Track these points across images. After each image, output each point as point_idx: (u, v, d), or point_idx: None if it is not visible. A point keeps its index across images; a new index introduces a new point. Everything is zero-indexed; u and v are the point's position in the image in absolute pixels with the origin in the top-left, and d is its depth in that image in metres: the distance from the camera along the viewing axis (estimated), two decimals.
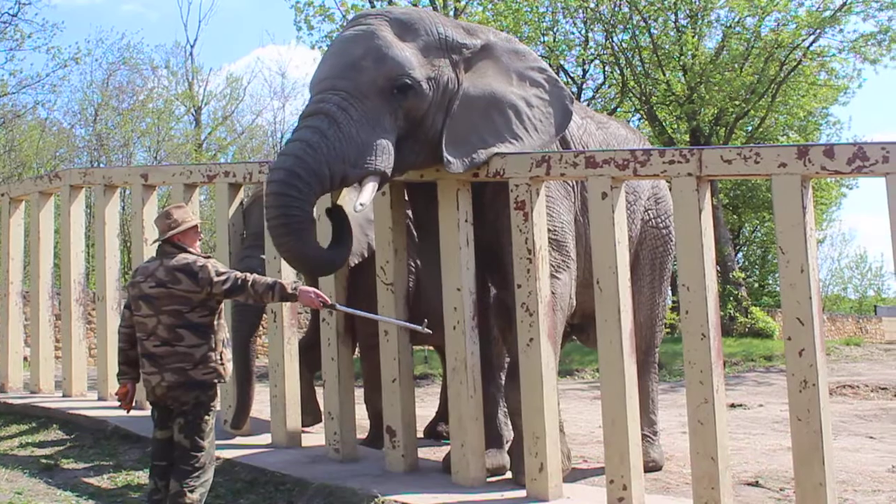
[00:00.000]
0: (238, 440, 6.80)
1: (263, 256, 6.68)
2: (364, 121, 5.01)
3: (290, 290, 4.71)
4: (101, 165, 28.03)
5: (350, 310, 5.26)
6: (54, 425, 7.61)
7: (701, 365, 4.68)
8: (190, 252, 4.77)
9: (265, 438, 6.78)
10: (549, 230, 5.48)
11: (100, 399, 8.22)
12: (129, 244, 18.04)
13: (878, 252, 59.43)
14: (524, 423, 5.33)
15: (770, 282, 37.40)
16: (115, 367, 7.67)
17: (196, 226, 4.92)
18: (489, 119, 5.44)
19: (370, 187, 5.04)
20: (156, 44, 54.18)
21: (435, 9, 21.75)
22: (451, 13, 21.81)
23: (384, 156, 5.05)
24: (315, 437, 6.94)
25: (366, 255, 6.81)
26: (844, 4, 21.01)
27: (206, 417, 4.69)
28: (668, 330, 23.73)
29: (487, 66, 5.53)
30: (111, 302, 7.98)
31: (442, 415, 7.65)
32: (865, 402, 12.31)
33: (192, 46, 34.62)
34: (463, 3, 21.69)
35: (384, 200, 5.93)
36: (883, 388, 13.48)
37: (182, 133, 33.30)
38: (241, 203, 7.12)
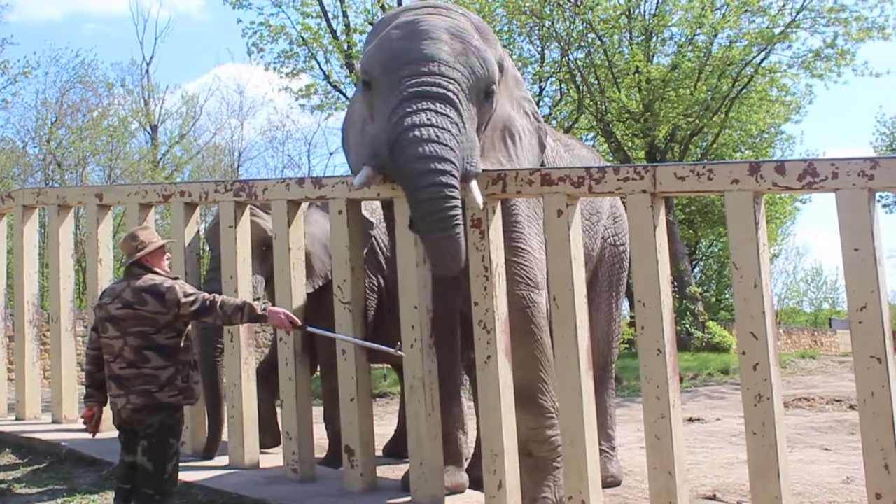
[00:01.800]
0: (195, 461, 6.73)
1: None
2: (470, 118, 4.82)
3: (259, 311, 4.71)
4: (55, 184, 27.72)
5: (320, 330, 5.25)
6: (7, 449, 7.48)
7: (657, 380, 4.70)
8: (157, 273, 4.75)
9: (223, 460, 6.72)
10: (521, 252, 5.51)
11: (54, 422, 8.11)
12: (83, 264, 17.87)
13: (832, 266, 60.21)
14: (483, 440, 5.32)
15: (726, 296, 37.77)
16: (69, 389, 7.64)
17: (163, 246, 4.90)
18: (504, 141, 5.39)
19: (476, 187, 4.86)
20: (112, 62, 54.00)
21: None
22: None
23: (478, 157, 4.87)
24: (274, 458, 6.89)
25: (330, 278, 6.80)
26: (793, 20, 21.34)
27: (172, 441, 4.65)
28: (625, 345, 23.89)
29: (503, 87, 5.43)
30: (65, 323, 7.89)
31: (400, 433, 7.63)
32: (821, 414, 12.45)
33: (147, 64, 34.21)
34: None
35: (340, 219, 5.91)
36: (838, 401, 13.65)
37: (137, 151, 33.07)
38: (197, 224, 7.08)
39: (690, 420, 11.25)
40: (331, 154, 45.80)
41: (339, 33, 21.96)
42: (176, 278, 4.81)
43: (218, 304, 4.64)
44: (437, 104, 4.61)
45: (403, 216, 5.59)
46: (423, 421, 5.54)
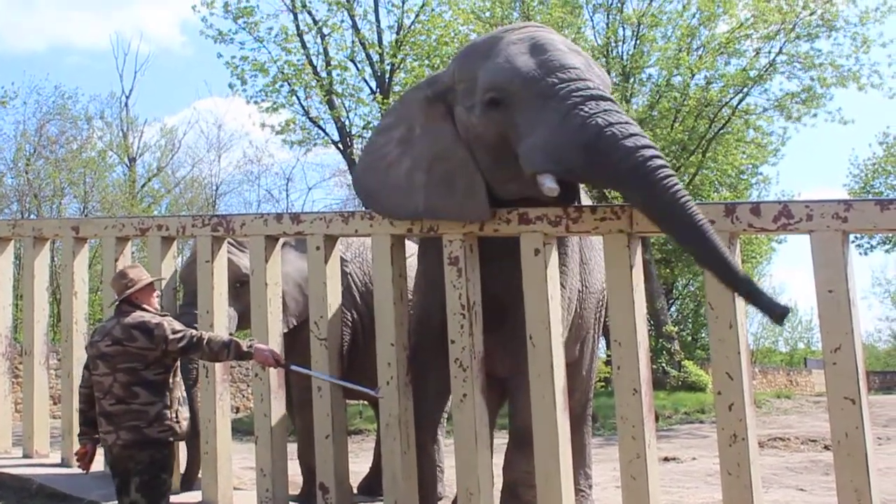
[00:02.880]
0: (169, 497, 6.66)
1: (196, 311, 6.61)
2: None
3: (245, 349, 4.76)
4: (32, 216, 27.59)
5: (303, 369, 5.24)
6: None
7: (633, 420, 4.71)
8: (146, 310, 4.80)
9: (196, 495, 6.65)
10: None
11: (25, 456, 8.00)
12: (58, 297, 17.74)
13: (808, 306, 60.54)
14: (458, 479, 5.29)
15: (703, 335, 37.83)
16: (41, 423, 7.54)
17: (152, 283, 4.96)
18: None
19: None
20: (92, 94, 54.06)
21: (371, 64, 21.95)
22: (388, 68, 21.99)
23: None
24: (247, 495, 6.82)
25: (304, 317, 6.77)
26: (770, 64, 21.60)
27: (164, 477, 4.69)
28: (601, 384, 23.87)
29: None
30: (39, 356, 7.81)
31: (375, 471, 7.58)
32: (796, 454, 12.46)
33: (127, 97, 34.20)
34: (399, 58, 21.86)
35: (318, 255, 5.91)
36: (813, 441, 13.67)
37: (115, 184, 32.98)
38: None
39: (666, 459, 11.23)
40: (309, 189, 45.98)
41: (319, 69, 22.03)
42: (165, 315, 4.87)
43: (205, 341, 4.70)
44: (612, 104, 4.58)
45: (382, 252, 5.60)
46: (398, 459, 5.51)
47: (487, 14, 21.74)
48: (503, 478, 5.71)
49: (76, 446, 6.60)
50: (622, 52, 23.13)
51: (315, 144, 23.53)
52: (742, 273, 4.25)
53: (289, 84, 22.07)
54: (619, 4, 22.82)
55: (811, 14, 20.99)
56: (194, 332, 4.76)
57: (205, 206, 34.95)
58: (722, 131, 22.99)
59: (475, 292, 5.30)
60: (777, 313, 4.17)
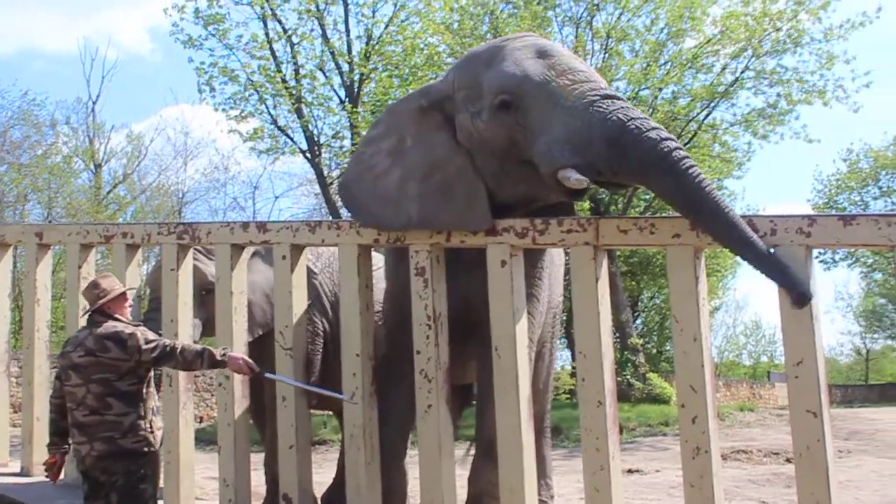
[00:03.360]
0: None
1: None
2: None
3: (218, 357, 4.76)
4: None
5: (279, 377, 5.22)
6: None
7: (597, 432, 4.72)
8: (119, 320, 4.78)
9: None
10: None
11: None
12: (20, 304, 17.52)
13: (771, 319, 61.05)
14: (422, 489, 5.28)
15: (668, 348, 37.99)
16: (2, 432, 7.44)
17: (124, 293, 4.94)
18: None
19: None
20: (58, 99, 53.66)
21: (340, 74, 21.92)
22: (357, 77, 21.97)
23: None
24: None
25: (270, 327, 6.74)
26: (737, 79, 21.78)
27: (143, 487, 4.67)
28: (567, 395, 23.93)
29: None
30: (0, 364, 7.72)
31: (339, 481, 7.54)
32: (759, 466, 12.56)
33: (94, 103, 33.95)
34: (369, 68, 21.85)
35: (284, 264, 5.88)
36: (775, 453, 13.78)
37: (80, 190, 32.70)
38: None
39: (630, 472, 11.28)
40: (276, 198, 45.65)
41: (288, 78, 21.98)
42: (138, 325, 4.85)
43: (178, 351, 4.69)
44: (626, 102, 4.68)
45: (349, 262, 5.59)
46: (362, 469, 5.49)
47: (456, 26, 21.74)
48: (468, 489, 5.71)
49: (37, 455, 6.57)
50: (591, 65, 23.23)
51: (283, 153, 23.45)
52: (766, 251, 4.34)
53: (258, 92, 21.99)
54: (588, 18, 22.93)
55: (777, 31, 21.21)
56: (168, 341, 4.75)
57: (171, 213, 34.76)
58: (689, 145, 23.14)
59: (441, 303, 5.30)
60: (799, 292, 4.28)
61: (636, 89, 21.65)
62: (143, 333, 4.71)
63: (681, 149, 4.46)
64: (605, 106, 4.59)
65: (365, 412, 5.50)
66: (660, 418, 19.16)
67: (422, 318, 5.26)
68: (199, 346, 4.80)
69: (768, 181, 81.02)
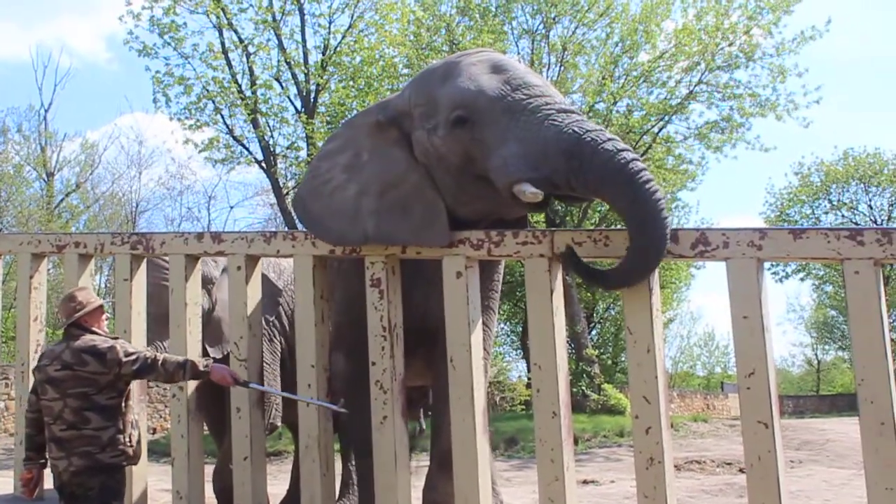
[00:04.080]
0: None
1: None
2: None
3: (201, 368, 4.73)
4: None
5: (263, 387, 5.19)
6: None
7: (552, 443, 4.74)
8: (97, 333, 4.73)
9: None
10: None
11: None
12: None
13: (724, 331, 61.59)
14: (378, 502, 5.26)
15: (623, 359, 38.19)
16: None
17: (101, 306, 4.88)
18: None
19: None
20: (9, 106, 52.91)
21: (296, 84, 21.85)
22: (314, 88, 21.92)
23: None
24: None
25: None
26: (690, 93, 22.01)
27: (115, 503, 4.61)
28: (522, 407, 23.97)
29: None
30: None
31: (294, 493, 7.51)
32: (712, 477, 12.64)
33: (46, 110, 33.56)
34: (325, 78, 21.80)
35: (239, 275, 5.85)
36: (728, 464, 13.89)
37: (31, 199, 32.29)
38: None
39: (585, 482, 11.32)
40: (231, 208, 45.48)
41: (244, 88, 21.87)
42: (116, 338, 4.79)
43: (160, 363, 4.65)
44: (580, 115, 4.75)
45: (304, 273, 5.57)
46: (317, 481, 5.47)
47: (411, 38, 21.77)
48: (423, 499, 5.71)
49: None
50: (546, 78, 23.36)
51: (238, 163, 23.28)
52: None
53: (213, 102, 21.85)
54: (544, 31, 23.07)
55: (730, 45, 21.47)
56: (149, 353, 4.70)
57: (125, 222, 34.43)
58: (643, 158, 23.31)
59: (397, 314, 5.31)
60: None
61: (591, 102, 21.79)
62: (122, 346, 4.66)
63: (637, 160, 4.51)
64: (560, 119, 4.63)
65: (320, 423, 5.48)
66: (615, 429, 19.25)
67: (377, 330, 5.26)
68: (180, 358, 4.76)
69: (721, 194, 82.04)
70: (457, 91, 4.95)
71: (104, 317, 4.96)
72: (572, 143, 4.53)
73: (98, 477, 4.55)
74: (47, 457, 4.75)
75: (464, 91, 4.92)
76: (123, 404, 4.71)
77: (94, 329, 4.77)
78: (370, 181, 5.34)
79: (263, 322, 6.26)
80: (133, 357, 4.61)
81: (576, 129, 4.57)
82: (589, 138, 4.52)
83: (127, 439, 4.68)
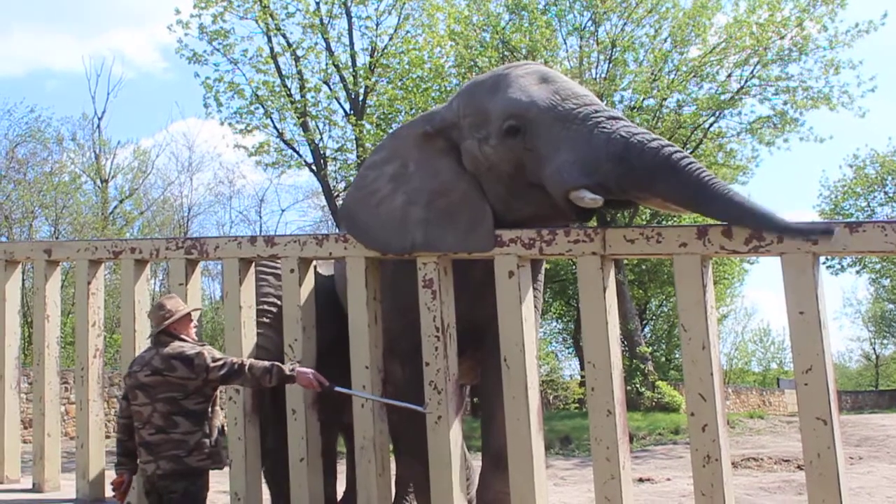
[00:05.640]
0: None
1: None
2: None
3: (287, 373, 4.78)
4: (3, 238, 27.39)
5: (349, 391, 5.23)
6: None
7: (607, 441, 4.73)
8: (185, 340, 4.85)
9: None
10: None
11: None
12: (30, 321, 17.58)
13: (780, 326, 60.84)
14: (433, 502, 5.28)
15: (676, 356, 37.91)
16: (13, 449, 7.45)
17: (189, 314, 5.00)
18: None
19: None
20: (64, 116, 53.70)
21: (345, 87, 21.97)
22: (362, 90, 22.02)
23: None
24: None
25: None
26: (742, 87, 21.78)
27: None
28: (576, 405, 23.89)
29: None
30: (10, 381, 7.73)
31: (350, 494, 7.54)
32: (769, 474, 12.51)
33: (99, 119, 34.02)
34: (373, 80, 21.90)
35: (292, 278, 5.90)
36: (786, 461, 13.74)
37: (87, 206, 32.77)
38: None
39: (641, 480, 11.26)
40: (283, 211, 45.80)
41: (293, 91, 22.03)
42: (203, 344, 4.90)
43: (247, 368, 4.73)
44: (627, 120, 4.87)
45: (357, 275, 5.60)
46: (373, 482, 5.49)
47: (456, 39, 21.73)
48: (477, 498, 5.72)
49: (48, 471, 6.58)
50: (595, 75, 23.23)
51: (289, 166, 23.48)
52: (781, 220, 4.39)
53: (263, 106, 22.06)
54: (592, 28, 22.96)
55: (782, 38, 21.21)
56: (235, 359, 4.78)
57: (177, 227, 34.81)
58: (694, 153, 23.14)
59: (449, 314, 5.32)
60: (821, 231, 4.37)
61: (641, 98, 21.66)
62: (210, 352, 4.76)
63: (681, 151, 4.57)
64: (609, 126, 4.74)
65: (375, 424, 5.50)
66: (670, 427, 19.13)
67: (430, 330, 5.28)
68: (266, 363, 4.83)
69: (775, 187, 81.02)
70: (508, 102, 5.06)
71: (192, 324, 5.08)
72: (621, 147, 4.63)
73: (182, 482, 4.65)
74: (137, 461, 4.86)
75: (515, 102, 5.03)
76: (210, 409, 4.81)
77: (182, 336, 4.88)
78: (417, 191, 5.44)
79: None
80: (220, 363, 4.71)
81: (623, 133, 4.68)
82: (636, 140, 4.61)
83: (214, 443, 4.78)
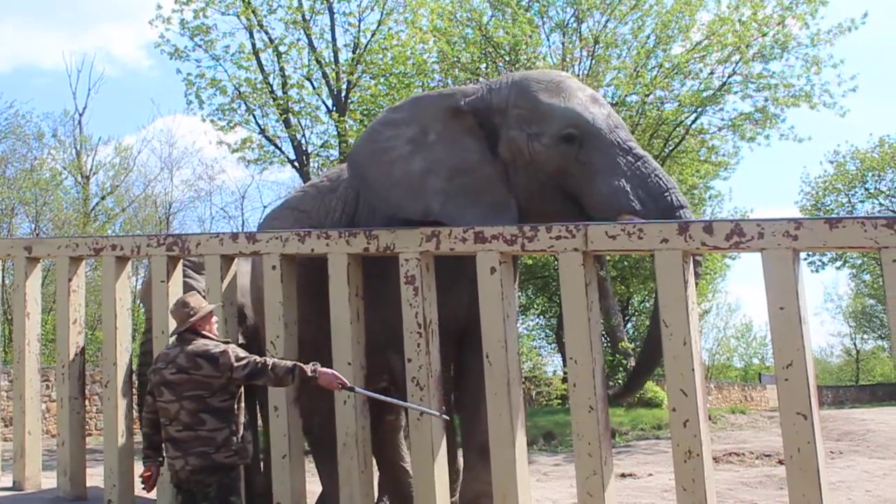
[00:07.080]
0: None
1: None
2: None
3: (309, 373, 4.78)
4: None
5: (369, 392, 5.22)
6: None
7: (589, 437, 4.74)
8: (209, 338, 4.89)
9: None
10: None
11: None
12: (10, 318, 17.47)
13: (762, 322, 61.09)
14: (416, 496, 5.28)
15: None
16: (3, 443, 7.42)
17: (212, 311, 5.03)
18: None
19: None
20: (45, 112, 53.36)
21: (327, 83, 21.92)
22: (345, 86, 21.98)
23: None
24: None
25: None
26: (724, 84, 21.84)
27: (233, 499, 4.79)
28: (559, 401, 23.93)
29: None
30: None
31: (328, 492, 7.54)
32: (751, 469, 12.56)
33: (80, 115, 33.82)
34: (356, 76, 21.85)
35: (274, 275, 5.89)
36: (767, 455, 13.78)
37: (68, 203, 32.61)
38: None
39: (623, 476, 11.27)
40: (265, 207, 45.51)
41: (275, 88, 21.96)
42: (227, 342, 4.95)
43: (269, 367, 4.75)
44: (650, 158, 5.44)
45: (338, 271, 5.59)
46: (356, 478, 5.49)
47: (440, 36, 21.70)
48: (465, 489, 5.73)
49: (28, 469, 6.56)
50: (578, 72, 23.24)
51: (271, 163, 23.40)
52: None
53: (245, 103, 21.98)
54: (575, 25, 22.97)
55: (764, 36, 21.26)
56: (258, 358, 4.80)
57: (159, 224, 34.66)
58: (676, 150, 23.18)
59: (431, 311, 5.32)
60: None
61: (623, 95, 21.69)
62: (234, 351, 4.78)
63: (686, 207, 5.30)
64: (647, 167, 5.33)
65: (357, 420, 5.50)
66: (652, 422, 19.16)
67: (413, 327, 5.28)
68: (289, 363, 4.84)
69: (756, 184, 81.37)
70: (571, 111, 5.38)
71: (214, 320, 5.12)
72: (657, 192, 5.26)
73: (215, 475, 4.70)
74: (164, 455, 4.90)
75: (578, 114, 5.38)
76: (236, 406, 4.84)
77: (205, 333, 4.91)
78: (440, 162, 5.53)
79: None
80: (244, 362, 4.73)
81: (661, 182, 5.30)
82: (668, 196, 5.27)
83: (240, 440, 4.81)
